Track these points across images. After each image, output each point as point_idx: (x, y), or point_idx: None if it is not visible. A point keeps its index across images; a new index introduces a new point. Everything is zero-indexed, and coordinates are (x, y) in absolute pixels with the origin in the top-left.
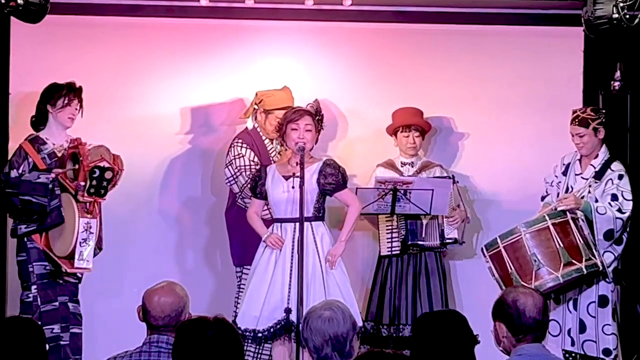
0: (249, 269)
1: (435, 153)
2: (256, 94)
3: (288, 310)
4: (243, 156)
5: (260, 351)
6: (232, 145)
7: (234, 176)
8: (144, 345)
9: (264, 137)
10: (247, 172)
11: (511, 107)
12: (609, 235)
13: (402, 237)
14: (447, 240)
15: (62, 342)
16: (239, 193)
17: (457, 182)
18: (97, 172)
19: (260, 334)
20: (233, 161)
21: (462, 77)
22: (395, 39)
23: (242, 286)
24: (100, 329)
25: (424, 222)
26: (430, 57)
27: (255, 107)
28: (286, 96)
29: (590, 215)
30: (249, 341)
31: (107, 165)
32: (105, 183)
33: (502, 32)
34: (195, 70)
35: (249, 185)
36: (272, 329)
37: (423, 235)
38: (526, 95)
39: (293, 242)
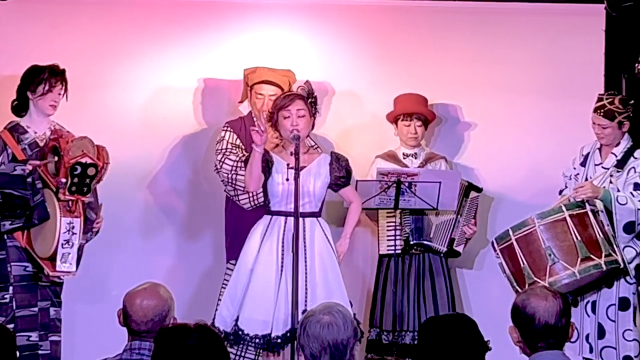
0: (232, 264)
1: (439, 143)
2: (244, 72)
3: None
4: (223, 139)
5: (242, 354)
6: (220, 132)
7: (217, 162)
8: (124, 352)
9: (256, 121)
10: (221, 156)
11: (525, 92)
12: (630, 228)
13: (406, 235)
14: (453, 252)
15: (40, 352)
16: (222, 181)
17: (482, 190)
18: (79, 169)
19: (279, 340)
20: (216, 146)
21: (471, 59)
22: (397, 17)
23: (224, 283)
24: (78, 334)
25: (434, 222)
26: (435, 38)
27: (249, 87)
28: (269, 71)
29: (609, 206)
30: (253, 347)
31: (89, 161)
32: (88, 180)
33: (514, 10)
34: (183, 50)
35: (232, 157)
36: (288, 334)
37: (431, 235)
38: (541, 79)
39: (304, 238)
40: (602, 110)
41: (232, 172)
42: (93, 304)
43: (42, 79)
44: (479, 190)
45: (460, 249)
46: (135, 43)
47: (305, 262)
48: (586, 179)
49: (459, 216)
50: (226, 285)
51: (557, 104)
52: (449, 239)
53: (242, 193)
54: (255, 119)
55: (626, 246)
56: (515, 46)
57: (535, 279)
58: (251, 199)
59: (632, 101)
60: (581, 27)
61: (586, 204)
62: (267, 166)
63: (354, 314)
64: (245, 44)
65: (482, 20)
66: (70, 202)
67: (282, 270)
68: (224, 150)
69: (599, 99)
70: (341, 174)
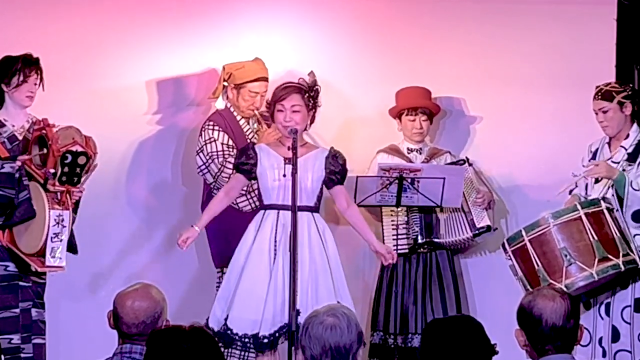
0: None
1: (444, 138)
2: (223, 68)
3: (298, 312)
4: (215, 140)
5: (245, 357)
6: (203, 129)
7: (206, 164)
8: (114, 356)
9: (238, 117)
10: (220, 159)
11: (532, 84)
12: (637, 216)
13: (415, 233)
14: (480, 230)
15: (22, 355)
16: (214, 183)
17: (472, 163)
18: (70, 158)
19: (266, 340)
20: (204, 147)
21: (476, 50)
22: (397, 6)
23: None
24: (65, 336)
25: (442, 216)
26: (438, 28)
27: (225, 83)
28: (258, 67)
29: (621, 190)
30: (244, 348)
31: (80, 149)
32: (78, 170)
33: None
34: (166, 40)
35: (232, 160)
36: (277, 334)
37: (441, 232)
38: (549, 70)
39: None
40: (599, 93)
41: None
42: (80, 303)
43: (15, 69)
44: (462, 162)
45: (485, 222)
46: (123, 33)
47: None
48: (596, 178)
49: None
50: None
51: (566, 96)
52: (468, 222)
53: (241, 196)
54: (237, 117)
55: (636, 234)
56: (522, 36)
57: (551, 281)
58: (251, 200)
59: (632, 85)
60: (591, 16)
61: (601, 201)
62: (249, 171)
63: None
64: (231, 34)
65: (488, 9)
66: (59, 194)
67: (274, 266)
68: (220, 153)
69: (596, 87)
70: (336, 168)
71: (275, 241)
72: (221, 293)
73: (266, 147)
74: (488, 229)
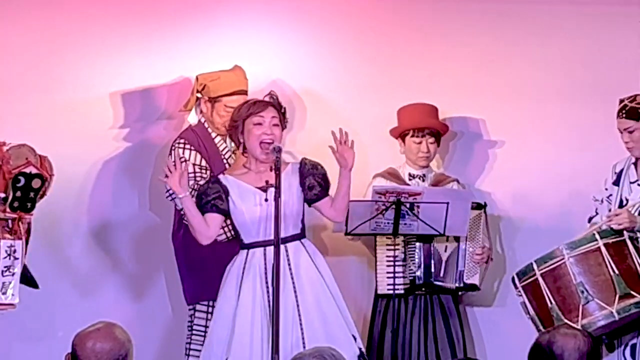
0: (204, 305)
1: (453, 164)
2: (197, 79)
3: None
4: (185, 161)
5: None
6: (173, 147)
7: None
8: None
9: (213, 135)
10: (192, 182)
11: (549, 98)
12: None
13: (412, 274)
14: (466, 285)
15: None
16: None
17: (486, 205)
18: (23, 181)
19: None
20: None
21: (484, 59)
22: (396, 7)
23: (195, 328)
24: None
25: (444, 256)
26: (443, 33)
27: (198, 95)
28: (236, 78)
29: None
30: None
31: (34, 171)
32: (32, 194)
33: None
34: (132, 46)
35: (194, 200)
36: None
37: (442, 274)
38: (569, 82)
39: (289, 268)
40: (624, 111)
41: None
42: (33, 345)
43: None
44: (480, 207)
45: (474, 280)
46: (84, 38)
47: (296, 295)
48: (621, 201)
49: (460, 244)
50: (197, 332)
51: (587, 110)
52: (458, 272)
53: None
54: (211, 133)
55: None
56: (536, 44)
57: (565, 320)
58: (226, 229)
59: None
60: (616, 21)
61: (623, 230)
62: (216, 205)
63: (360, 349)
64: (205, 40)
65: (498, 11)
66: (10, 221)
67: (267, 307)
68: (192, 176)
69: (620, 102)
70: (312, 182)
71: (267, 282)
72: (208, 352)
73: (233, 179)
74: (473, 287)
